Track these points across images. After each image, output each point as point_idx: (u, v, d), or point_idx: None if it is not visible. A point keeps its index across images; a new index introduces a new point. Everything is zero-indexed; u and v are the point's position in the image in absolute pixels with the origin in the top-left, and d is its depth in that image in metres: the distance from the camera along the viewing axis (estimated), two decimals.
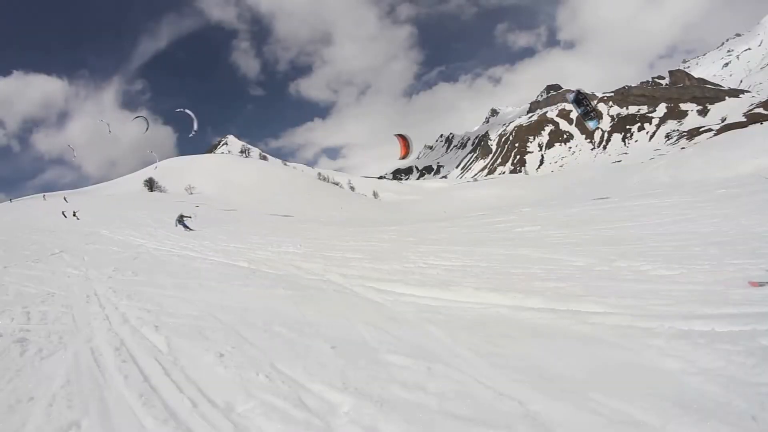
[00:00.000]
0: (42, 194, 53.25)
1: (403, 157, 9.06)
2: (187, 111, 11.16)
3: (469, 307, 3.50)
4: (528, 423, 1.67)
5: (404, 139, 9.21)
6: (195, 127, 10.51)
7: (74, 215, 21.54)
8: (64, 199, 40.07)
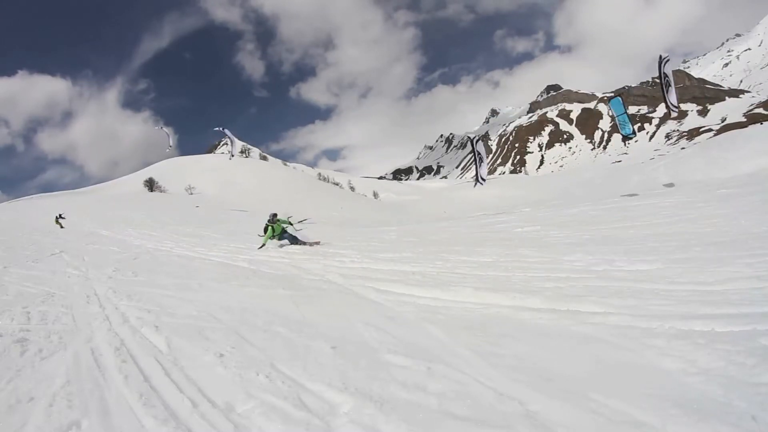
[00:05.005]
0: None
1: None
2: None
3: (469, 307, 3.50)
4: (528, 423, 1.68)
5: None
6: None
7: (58, 220, 18.38)
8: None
